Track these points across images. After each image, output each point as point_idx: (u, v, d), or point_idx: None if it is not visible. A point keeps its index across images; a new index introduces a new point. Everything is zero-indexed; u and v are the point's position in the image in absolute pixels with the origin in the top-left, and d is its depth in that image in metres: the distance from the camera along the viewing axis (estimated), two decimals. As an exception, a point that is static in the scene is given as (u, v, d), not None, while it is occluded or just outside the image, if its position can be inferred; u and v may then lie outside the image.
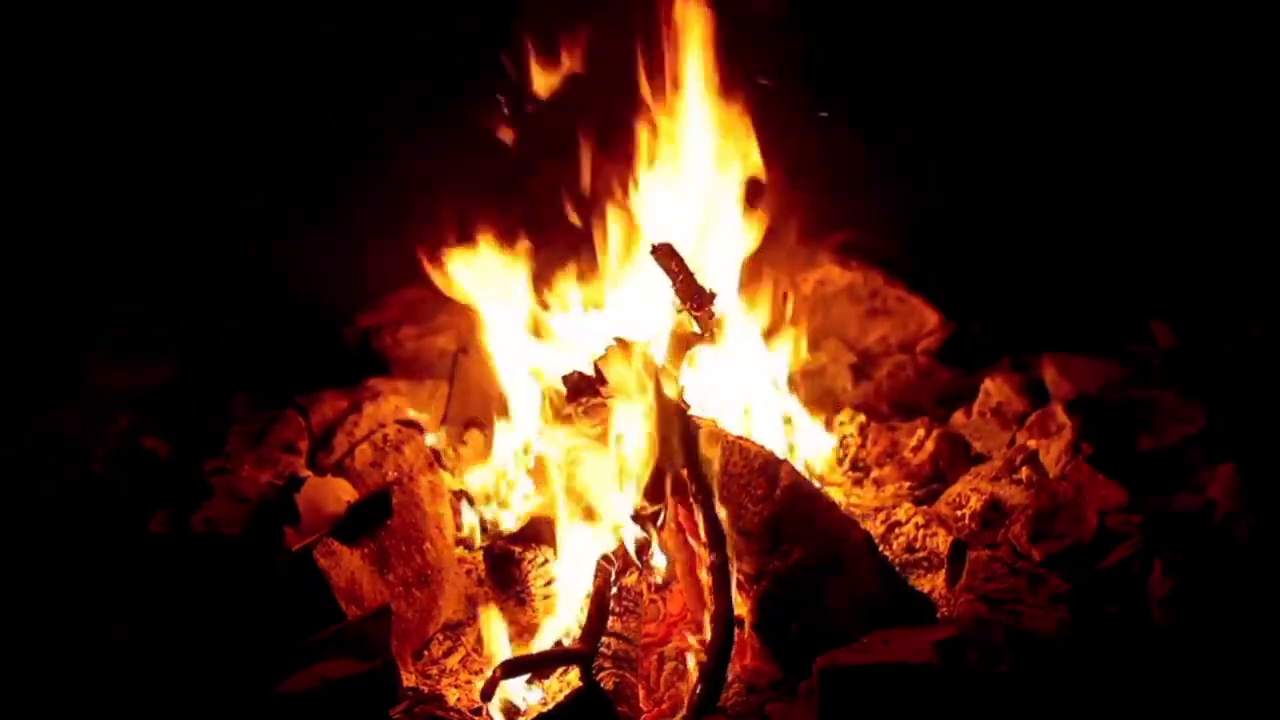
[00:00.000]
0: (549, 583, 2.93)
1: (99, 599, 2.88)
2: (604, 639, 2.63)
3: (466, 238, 3.30)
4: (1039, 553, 2.80)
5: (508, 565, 3.03)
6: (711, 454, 2.72)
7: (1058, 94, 4.33)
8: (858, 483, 3.44)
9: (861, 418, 3.63)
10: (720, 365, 3.08)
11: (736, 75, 3.19)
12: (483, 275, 3.29)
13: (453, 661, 2.83)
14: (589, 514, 2.87)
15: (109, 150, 4.24)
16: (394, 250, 4.20)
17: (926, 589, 2.78)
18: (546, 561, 2.96)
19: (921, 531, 2.99)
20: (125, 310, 4.04)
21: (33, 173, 4.13)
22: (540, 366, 3.12)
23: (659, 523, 2.78)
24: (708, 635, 2.55)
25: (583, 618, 2.67)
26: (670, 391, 2.84)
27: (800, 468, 2.90)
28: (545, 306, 3.28)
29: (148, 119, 4.30)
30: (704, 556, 2.62)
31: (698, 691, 2.45)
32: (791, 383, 3.43)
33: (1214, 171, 4.16)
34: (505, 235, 3.28)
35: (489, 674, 2.52)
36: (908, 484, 3.35)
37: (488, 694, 2.51)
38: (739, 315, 3.19)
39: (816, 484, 2.99)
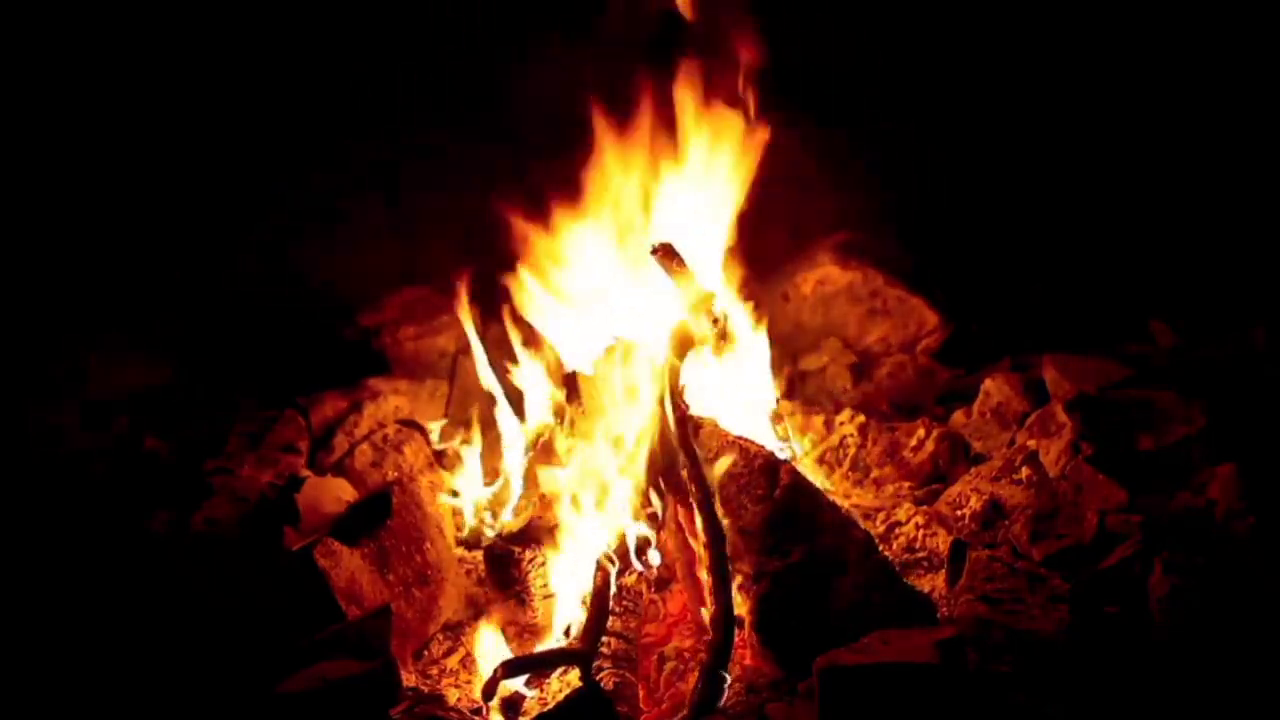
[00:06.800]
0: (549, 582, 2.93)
1: (99, 599, 2.88)
2: (604, 639, 2.63)
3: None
4: (1039, 553, 2.80)
5: (508, 565, 3.03)
6: (711, 454, 2.72)
7: (1058, 94, 4.34)
8: (858, 483, 3.44)
9: (861, 418, 3.63)
10: (717, 365, 3.08)
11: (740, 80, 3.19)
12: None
13: (453, 661, 2.83)
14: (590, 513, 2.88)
15: (111, 152, 4.24)
16: (394, 250, 4.22)
17: (926, 589, 2.78)
18: (546, 561, 2.96)
19: (921, 531, 2.99)
20: (125, 310, 4.04)
21: (35, 173, 4.13)
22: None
23: (659, 523, 2.78)
24: (708, 635, 2.55)
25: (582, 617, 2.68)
26: (670, 391, 2.84)
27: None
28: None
29: (149, 120, 4.30)
30: (704, 556, 2.62)
31: (698, 691, 2.45)
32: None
33: (1213, 171, 4.16)
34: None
35: (489, 673, 2.52)
36: (908, 484, 3.35)
37: (488, 694, 2.51)
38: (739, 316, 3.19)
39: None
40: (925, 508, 3.11)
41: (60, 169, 4.18)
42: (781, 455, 2.89)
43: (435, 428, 3.73)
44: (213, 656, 2.64)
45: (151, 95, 4.29)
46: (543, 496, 3.23)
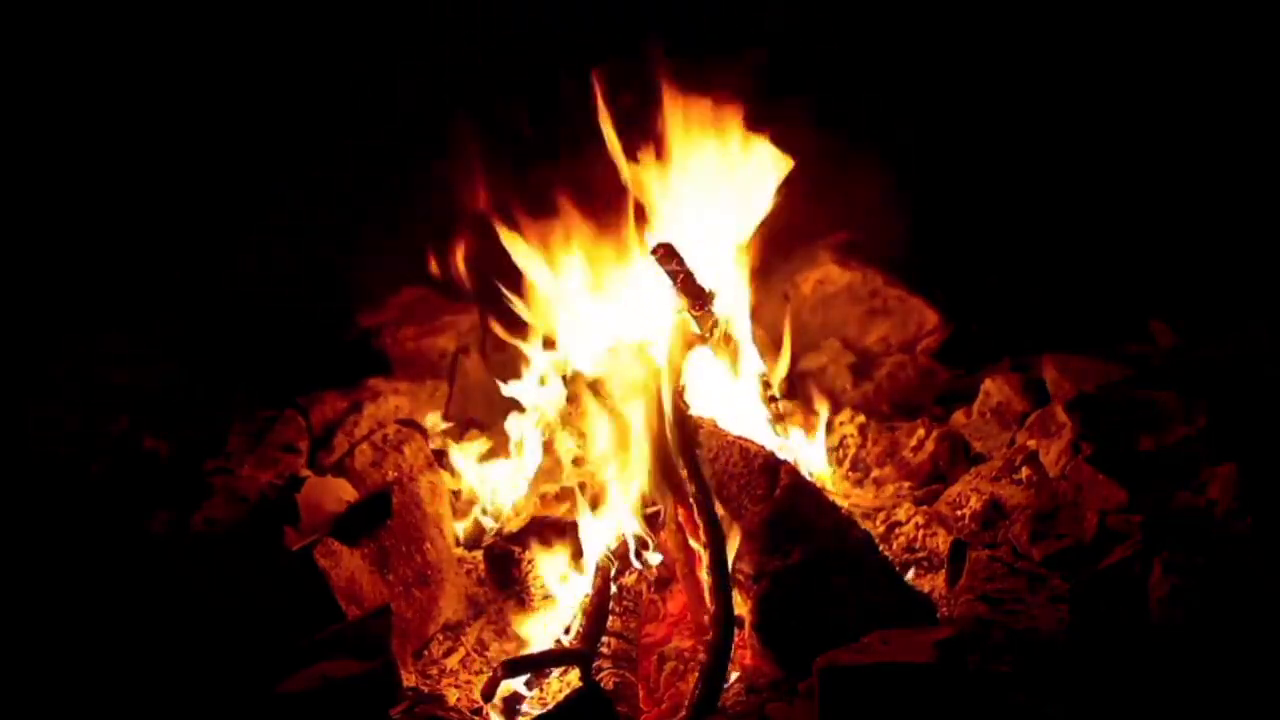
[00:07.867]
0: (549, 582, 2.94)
1: (99, 599, 2.88)
2: (604, 639, 2.63)
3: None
4: (1039, 553, 2.80)
5: (508, 565, 3.03)
6: (711, 454, 2.72)
7: (1058, 94, 4.34)
8: (858, 483, 3.44)
9: (861, 418, 3.63)
10: (718, 366, 3.08)
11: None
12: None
13: (453, 661, 2.83)
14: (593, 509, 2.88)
15: (112, 151, 4.25)
16: (394, 250, 4.22)
17: (926, 589, 2.78)
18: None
19: (921, 531, 2.99)
20: (125, 310, 4.05)
21: (36, 172, 4.13)
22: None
23: (659, 522, 2.78)
24: (709, 635, 2.55)
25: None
26: (670, 391, 2.84)
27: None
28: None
29: (150, 120, 4.31)
30: (704, 556, 2.62)
31: (698, 691, 2.45)
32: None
33: (1213, 171, 4.16)
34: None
35: (489, 674, 2.52)
36: (908, 484, 3.35)
37: (488, 694, 2.51)
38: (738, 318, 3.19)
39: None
40: (925, 508, 3.11)
41: (61, 169, 4.18)
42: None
43: (434, 427, 3.73)
44: (213, 656, 2.64)
45: (152, 95, 4.29)
46: (543, 496, 3.24)
